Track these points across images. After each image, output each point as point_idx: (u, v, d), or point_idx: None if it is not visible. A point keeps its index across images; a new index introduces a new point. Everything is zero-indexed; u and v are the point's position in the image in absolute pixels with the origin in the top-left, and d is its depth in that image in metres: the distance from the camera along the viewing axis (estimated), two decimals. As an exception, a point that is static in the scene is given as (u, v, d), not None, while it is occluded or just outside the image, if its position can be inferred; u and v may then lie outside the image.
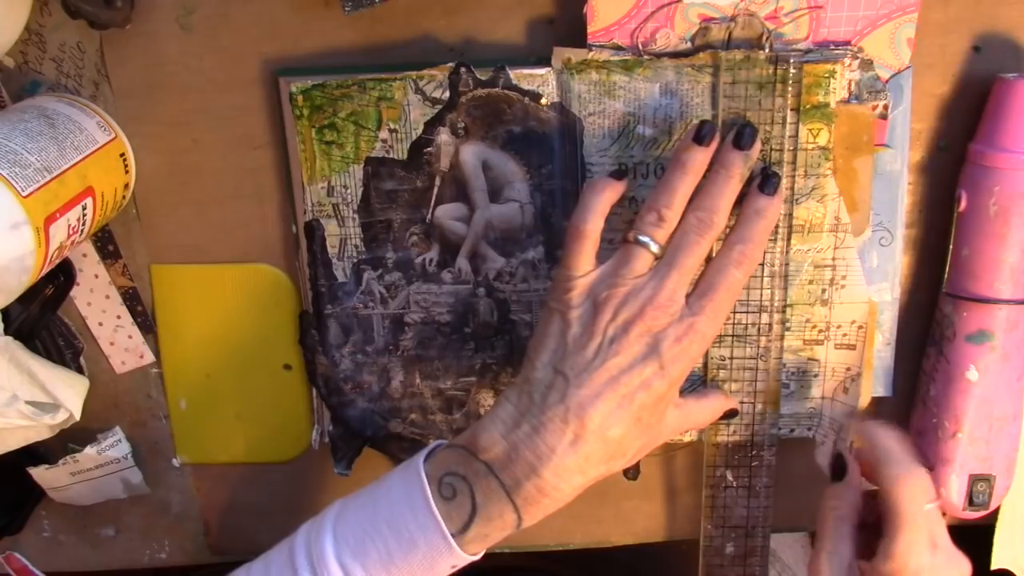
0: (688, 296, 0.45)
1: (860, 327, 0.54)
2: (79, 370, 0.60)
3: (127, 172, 0.54)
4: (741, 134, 0.47)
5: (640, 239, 0.46)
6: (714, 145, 0.46)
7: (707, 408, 0.51)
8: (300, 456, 0.62)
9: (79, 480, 0.61)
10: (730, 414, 0.52)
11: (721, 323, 0.46)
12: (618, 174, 0.47)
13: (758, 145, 0.48)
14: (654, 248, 0.45)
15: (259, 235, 0.56)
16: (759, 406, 0.54)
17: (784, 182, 0.49)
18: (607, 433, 0.44)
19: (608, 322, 0.44)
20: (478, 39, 0.51)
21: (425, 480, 0.44)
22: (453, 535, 0.44)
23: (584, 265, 0.46)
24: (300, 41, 0.52)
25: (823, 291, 0.53)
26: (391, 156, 0.52)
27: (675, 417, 0.48)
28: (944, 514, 0.46)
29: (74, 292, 0.58)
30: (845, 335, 0.54)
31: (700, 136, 0.46)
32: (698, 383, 0.54)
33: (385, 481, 0.47)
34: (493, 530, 0.45)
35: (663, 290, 0.44)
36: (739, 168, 0.46)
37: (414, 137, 0.52)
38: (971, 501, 0.54)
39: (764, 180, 0.47)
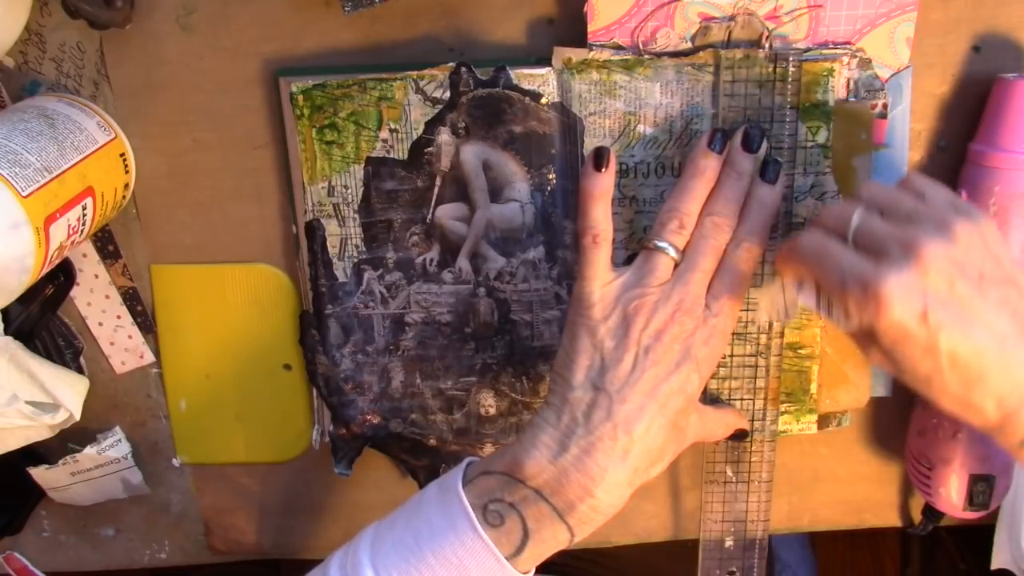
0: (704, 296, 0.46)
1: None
2: (79, 370, 0.60)
3: (127, 172, 0.54)
4: (748, 135, 0.47)
5: (660, 245, 0.46)
6: (726, 151, 0.47)
7: (722, 421, 0.51)
8: (300, 456, 0.62)
9: (79, 480, 0.61)
10: (740, 435, 0.53)
11: (736, 318, 0.47)
12: (597, 160, 0.47)
13: (766, 145, 0.48)
14: (675, 254, 0.46)
15: (259, 235, 0.56)
16: (759, 403, 0.54)
17: (783, 177, 0.49)
18: (651, 443, 0.44)
19: (641, 331, 0.45)
20: (478, 39, 0.51)
21: (469, 508, 0.44)
22: (507, 558, 0.43)
23: (603, 275, 0.46)
24: (300, 41, 0.52)
25: (823, 290, 0.53)
26: (392, 156, 0.52)
27: (695, 421, 0.48)
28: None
29: (74, 292, 0.58)
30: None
31: (714, 143, 0.47)
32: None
33: (421, 510, 0.45)
34: (546, 550, 0.45)
35: (688, 295, 0.45)
36: (749, 170, 0.47)
37: (415, 137, 0.52)
38: (971, 501, 0.54)
39: (765, 167, 0.47)
